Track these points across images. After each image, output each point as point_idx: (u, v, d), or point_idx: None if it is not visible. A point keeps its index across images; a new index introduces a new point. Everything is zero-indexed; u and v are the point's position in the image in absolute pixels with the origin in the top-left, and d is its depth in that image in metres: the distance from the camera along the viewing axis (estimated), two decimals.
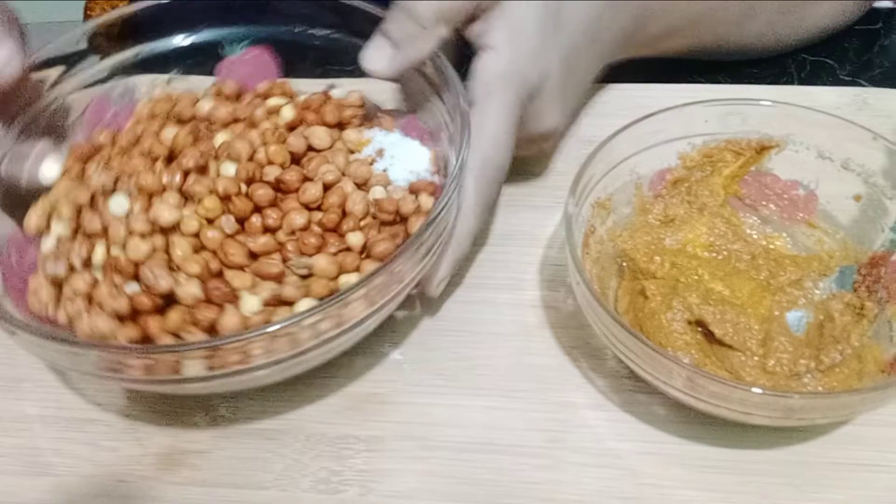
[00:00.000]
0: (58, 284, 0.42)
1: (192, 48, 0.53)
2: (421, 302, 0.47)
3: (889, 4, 0.65)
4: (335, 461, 0.42)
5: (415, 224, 0.43)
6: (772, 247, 0.48)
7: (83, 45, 0.50)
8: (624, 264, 0.47)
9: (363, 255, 0.42)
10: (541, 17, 0.45)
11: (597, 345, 0.45)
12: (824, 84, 0.60)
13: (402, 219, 0.44)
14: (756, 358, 0.42)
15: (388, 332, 0.46)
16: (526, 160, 0.54)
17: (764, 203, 0.48)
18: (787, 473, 0.40)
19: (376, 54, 0.43)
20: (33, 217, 0.44)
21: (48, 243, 0.43)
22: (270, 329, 0.36)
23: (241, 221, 0.42)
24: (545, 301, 0.47)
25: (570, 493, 0.40)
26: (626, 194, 0.47)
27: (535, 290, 0.48)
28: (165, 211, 0.41)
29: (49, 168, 0.47)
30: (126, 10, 0.51)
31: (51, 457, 0.43)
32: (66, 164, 0.47)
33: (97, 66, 0.51)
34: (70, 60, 0.50)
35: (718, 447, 0.41)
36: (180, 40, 0.52)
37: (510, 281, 0.48)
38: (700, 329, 0.44)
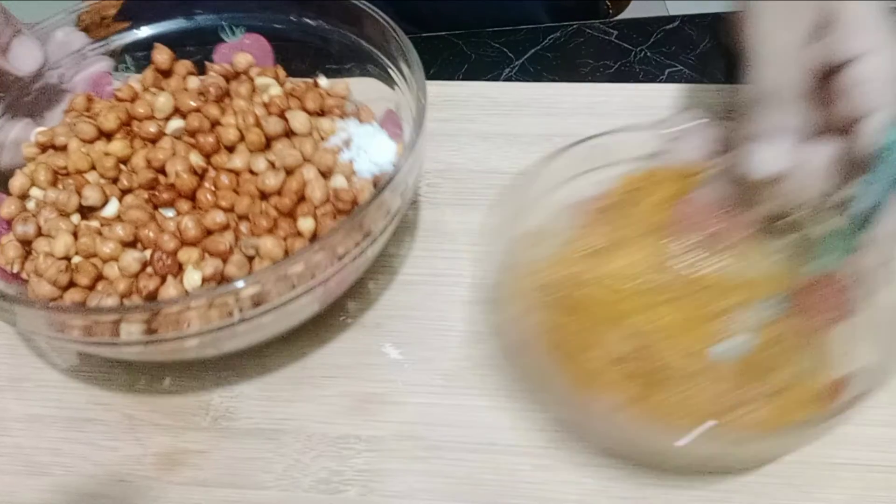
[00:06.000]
0: (27, 243, 0.44)
1: (193, 31, 0.53)
2: None
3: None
4: (336, 461, 0.42)
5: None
6: (701, 274, 0.45)
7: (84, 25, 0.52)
8: (551, 298, 0.44)
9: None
10: None
11: None
12: None
13: None
14: (683, 394, 0.40)
15: (388, 332, 0.47)
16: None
17: (694, 230, 0.46)
18: (787, 473, 0.40)
19: (768, 158, 0.40)
20: (19, 178, 0.46)
21: (29, 205, 0.45)
22: (172, 302, 0.38)
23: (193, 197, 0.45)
24: None
25: (570, 493, 0.40)
26: (554, 226, 0.45)
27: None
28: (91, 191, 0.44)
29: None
30: None
31: (51, 457, 0.43)
32: (56, 131, 0.48)
33: (99, 46, 0.52)
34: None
35: None
36: (181, 23, 0.53)
37: None
38: (624, 366, 0.41)
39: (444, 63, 0.62)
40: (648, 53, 0.64)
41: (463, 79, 0.61)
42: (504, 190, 0.43)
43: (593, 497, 0.40)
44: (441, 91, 0.58)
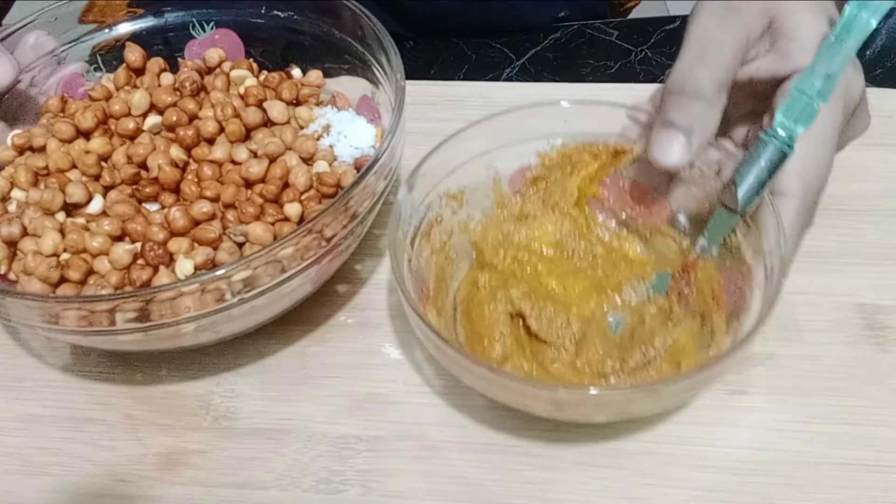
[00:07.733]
0: (13, 244, 0.44)
1: (162, 29, 0.54)
2: None
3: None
4: (336, 461, 0.42)
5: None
6: (623, 250, 0.48)
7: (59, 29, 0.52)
8: (475, 255, 0.47)
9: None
10: (826, 20, 0.41)
11: None
12: None
13: None
14: (567, 355, 0.43)
15: (388, 332, 0.47)
16: None
17: (620, 207, 0.48)
18: (787, 473, 0.40)
19: (672, 149, 0.41)
20: None
21: (10, 207, 0.46)
22: (166, 285, 0.38)
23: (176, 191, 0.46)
24: None
25: (570, 493, 0.40)
26: (485, 189, 0.47)
27: None
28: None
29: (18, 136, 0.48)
30: None
31: (51, 457, 0.43)
32: (32, 133, 0.48)
33: (70, 47, 0.52)
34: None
35: (719, 447, 0.41)
36: (150, 21, 0.54)
37: None
38: (522, 322, 0.44)
39: (444, 63, 0.62)
40: (649, 54, 0.64)
41: (463, 79, 0.61)
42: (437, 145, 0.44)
43: (593, 497, 0.40)
44: (441, 91, 0.58)
